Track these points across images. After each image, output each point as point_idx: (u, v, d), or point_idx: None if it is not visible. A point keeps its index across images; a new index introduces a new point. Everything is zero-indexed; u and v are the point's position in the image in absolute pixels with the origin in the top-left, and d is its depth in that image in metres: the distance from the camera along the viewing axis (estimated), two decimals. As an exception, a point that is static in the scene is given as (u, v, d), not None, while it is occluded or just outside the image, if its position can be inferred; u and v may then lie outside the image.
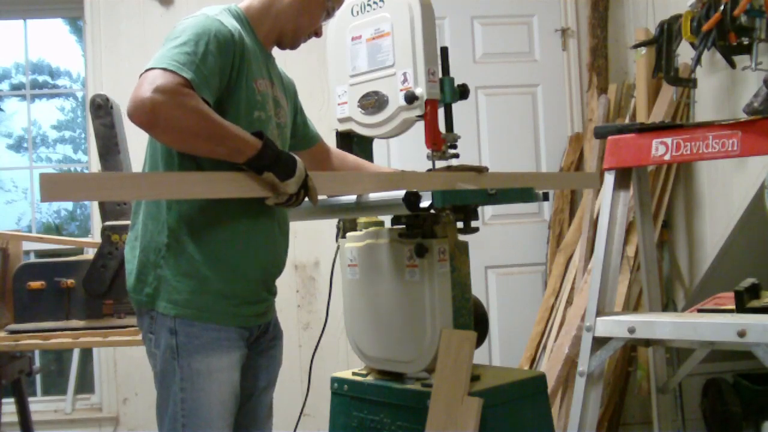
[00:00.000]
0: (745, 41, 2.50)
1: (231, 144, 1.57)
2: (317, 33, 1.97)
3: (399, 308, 1.94)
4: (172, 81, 1.54)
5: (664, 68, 2.95)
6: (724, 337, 2.05)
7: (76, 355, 3.98)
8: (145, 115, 1.51)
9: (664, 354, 2.71)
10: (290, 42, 1.96)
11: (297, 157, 1.65)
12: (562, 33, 3.95)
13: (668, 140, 2.21)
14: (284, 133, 1.93)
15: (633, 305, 3.28)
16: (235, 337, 1.77)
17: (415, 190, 1.75)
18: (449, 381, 1.79)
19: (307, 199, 1.68)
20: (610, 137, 2.36)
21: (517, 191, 2.00)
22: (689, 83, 3.02)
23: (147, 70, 1.56)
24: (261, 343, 1.92)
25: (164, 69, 1.55)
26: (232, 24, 1.75)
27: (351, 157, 2.18)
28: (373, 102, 2.04)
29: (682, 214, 3.39)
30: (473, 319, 1.95)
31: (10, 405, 3.14)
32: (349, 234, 2.10)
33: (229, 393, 1.76)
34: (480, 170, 1.98)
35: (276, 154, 1.61)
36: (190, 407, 1.71)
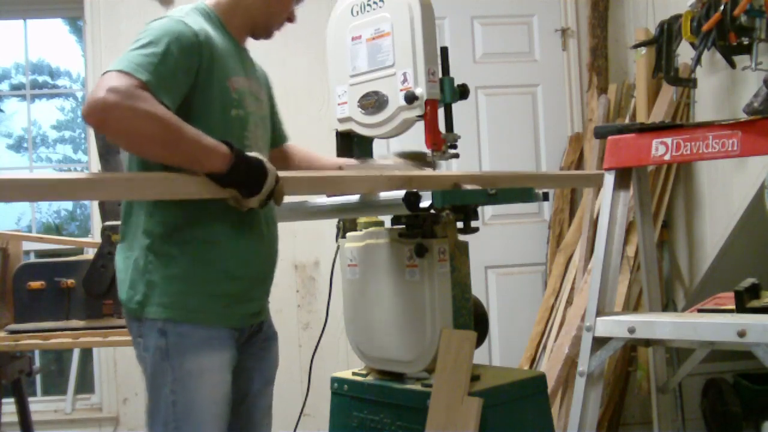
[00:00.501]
0: (745, 41, 2.50)
1: (189, 151, 1.53)
2: (290, 19, 1.91)
3: (399, 308, 1.94)
4: (127, 83, 1.50)
5: (664, 68, 2.95)
6: (724, 337, 2.04)
7: (76, 355, 3.99)
8: (95, 115, 1.48)
9: (664, 354, 2.70)
10: (263, 32, 1.90)
11: (268, 169, 1.60)
12: (562, 33, 3.95)
13: (668, 140, 2.21)
14: (266, 125, 1.91)
15: (633, 305, 3.28)
16: (226, 336, 1.74)
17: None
18: (449, 381, 1.79)
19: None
20: (610, 137, 2.36)
21: (517, 191, 2.00)
22: (689, 83, 3.02)
23: (105, 73, 1.53)
24: (253, 344, 1.89)
25: (120, 71, 1.52)
26: (199, 24, 1.71)
27: (304, 152, 2.15)
28: (373, 102, 2.04)
29: (682, 214, 3.39)
30: (473, 319, 1.96)
31: (10, 405, 3.14)
32: (349, 234, 2.10)
33: (221, 394, 1.72)
34: (421, 157, 1.96)
35: (245, 172, 1.56)
36: (182, 410, 1.67)
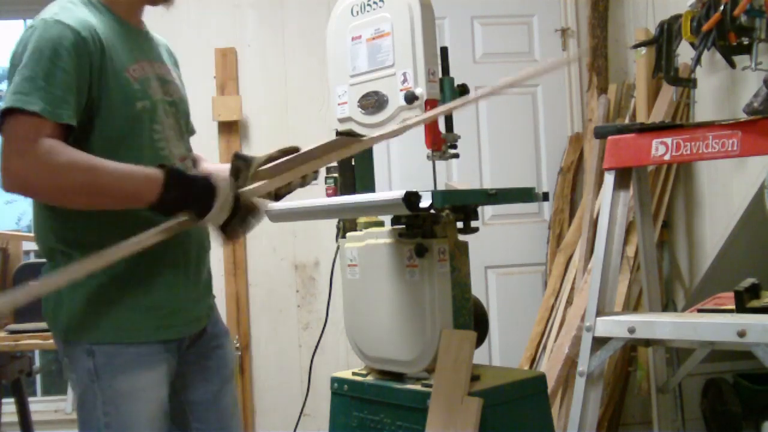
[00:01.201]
0: (745, 41, 2.50)
1: (119, 190, 1.45)
2: None
3: (399, 308, 1.94)
4: (24, 133, 1.40)
5: (664, 68, 2.95)
6: (724, 337, 2.04)
7: (76, 355, 3.98)
8: (12, 188, 1.43)
9: (664, 354, 2.71)
10: None
11: (215, 185, 1.47)
12: (562, 33, 3.95)
13: (668, 140, 2.21)
14: (181, 108, 1.73)
15: (633, 305, 3.27)
16: (160, 350, 1.61)
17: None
18: (449, 381, 1.79)
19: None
20: (610, 137, 2.36)
21: (517, 191, 2.00)
22: (689, 83, 3.02)
23: (3, 113, 1.43)
24: (200, 345, 1.76)
25: (11, 110, 1.41)
26: (78, 18, 1.53)
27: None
28: (373, 102, 2.04)
29: (682, 214, 3.39)
30: (473, 319, 1.96)
31: (10, 405, 3.14)
32: (349, 234, 2.10)
33: (157, 410, 1.61)
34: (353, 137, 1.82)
35: (181, 194, 1.46)
36: (117, 430, 1.56)
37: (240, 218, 1.50)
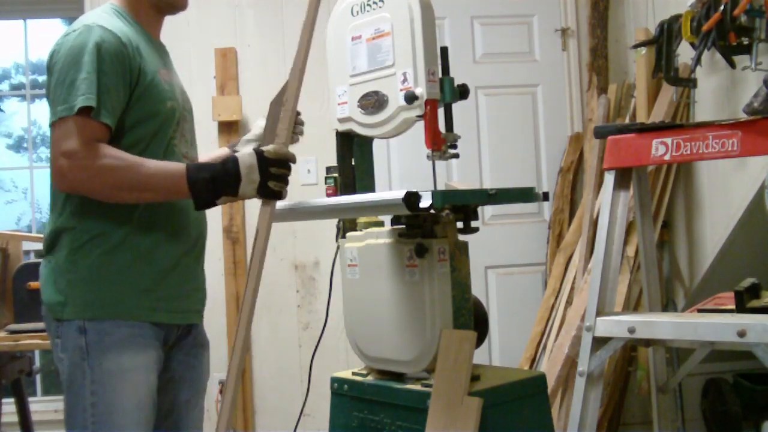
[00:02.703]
0: (745, 41, 2.50)
1: (159, 186, 1.58)
2: None
3: (399, 308, 1.94)
4: (76, 134, 1.52)
5: (664, 68, 2.95)
6: (724, 337, 2.05)
7: (76, 355, 3.98)
8: (63, 185, 1.56)
9: (664, 354, 2.70)
10: (171, 4, 1.83)
11: (235, 156, 1.58)
12: (562, 33, 3.95)
13: (668, 140, 2.21)
14: (192, 115, 1.88)
15: (633, 305, 3.28)
16: (151, 335, 1.66)
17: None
18: (449, 381, 1.79)
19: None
20: (610, 137, 2.36)
21: (517, 191, 2.00)
22: (689, 83, 3.02)
23: (52, 124, 1.57)
24: (182, 348, 1.80)
25: (62, 119, 1.54)
26: (115, 24, 1.66)
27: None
28: (373, 102, 2.04)
29: (682, 214, 3.39)
30: (473, 319, 1.95)
31: (10, 405, 3.14)
32: (349, 234, 2.10)
33: (145, 395, 1.63)
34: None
35: (210, 173, 1.56)
36: (103, 412, 1.58)
37: (273, 176, 1.56)
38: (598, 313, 2.28)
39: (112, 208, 1.63)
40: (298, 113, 1.82)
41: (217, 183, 1.56)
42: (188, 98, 1.87)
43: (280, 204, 2.00)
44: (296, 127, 1.90)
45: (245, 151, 1.58)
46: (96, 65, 1.56)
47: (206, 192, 1.56)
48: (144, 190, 1.58)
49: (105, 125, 1.56)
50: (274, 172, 1.57)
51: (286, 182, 1.60)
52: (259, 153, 1.56)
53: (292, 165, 1.62)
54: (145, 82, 1.65)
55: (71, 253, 1.65)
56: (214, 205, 1.59)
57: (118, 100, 1.59)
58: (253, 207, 3.64)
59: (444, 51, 2.04)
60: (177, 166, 1.59)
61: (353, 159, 2.18)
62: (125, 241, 1.65)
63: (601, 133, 2.45)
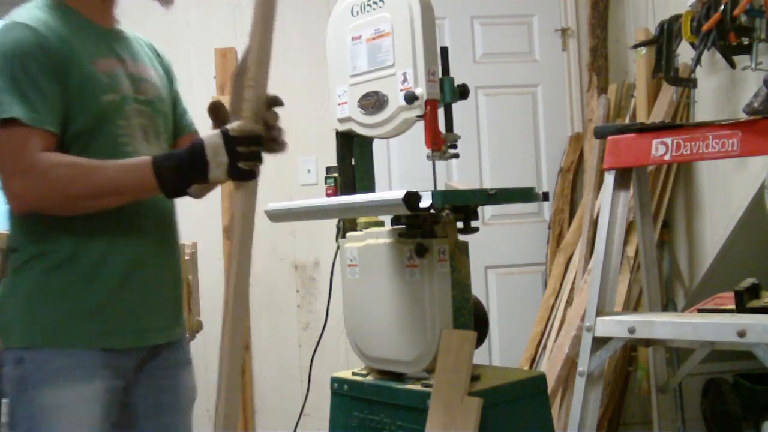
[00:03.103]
0: (745, 41, 2.50)
1: (122, 186, 1.43)
2: None
3: (399, 308, 1.94)
4: (18, 149, 1.38)
5: (664, 68, 2.95)
6: (724, 337, 2.05)
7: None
8: (19, 207, 1.43)
9: (664, 354, 2.70)
10: None
11: (201, 139, 1.42)
12: (562, 33, 3.95)
13: (668, 140, 2.21)
14: (157, 107, 1.65)
15: (633, 305, 3.28)
16: (97, 363, 1.46)
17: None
18: (449, 381, 1.79)
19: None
20: (610, 137, 2.36)
21: (517, 191, 2.00)
22: (689, 83, 3.02)
23: None
24: (150, 371, 1.58)
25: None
26: (35, 17, 1.49)
27: None
28: (373, 102, 2.04)
29: (682, 214, 3.39)
30: (473, 319, 1.96)
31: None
32: (349, 234, 2.10)
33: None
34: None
35: (177, 161, 1.42)
36: None
37: (242, 155, 1.40)
38: (598, 313, 2.28)
39: (54, 222, 1.46)
40: (276, 99, 1.52)
41: (185, 170, 1.41)
42: (154, 87, 1.65)
43: (279, 204, 2.00)
44: (271, 115, 1.51)
45: (211, 132, 1.43)
46: (18, 68, 1.41)
47: (175, 181, 1.42)
48: (108, 195, 1.43)
49: (48, 132, 1.42)
50: (242, 151, 1.40)
51: (258, 160, 1.42)
52: (224, 132, 1.40)
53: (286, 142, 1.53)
54: (75, 74, 1.47)
55: (12, 274, 1.50)
56: (186, 194, 1.46)
57: (53, 101, 1.44)
58: (253, 207, 3.64)
59: (444, 51, 2.04)
60: (140, 161, 1.44)
61: (353, 159, 2.18)
62: (67, 257, 1.47)
63: (601, 133, 2.45)
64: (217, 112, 1.54)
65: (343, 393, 2.06)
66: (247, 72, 1.44)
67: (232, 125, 1.41)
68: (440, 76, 1.99)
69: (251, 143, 1.41)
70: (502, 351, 3.82)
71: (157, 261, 1.58)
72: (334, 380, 2.10)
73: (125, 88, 1.56)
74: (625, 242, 3.06)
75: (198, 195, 1.50)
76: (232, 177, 1.41)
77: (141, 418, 1.58)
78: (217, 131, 1.41)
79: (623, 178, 2.38)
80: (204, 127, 1.59)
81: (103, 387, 1.47)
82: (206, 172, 1.40)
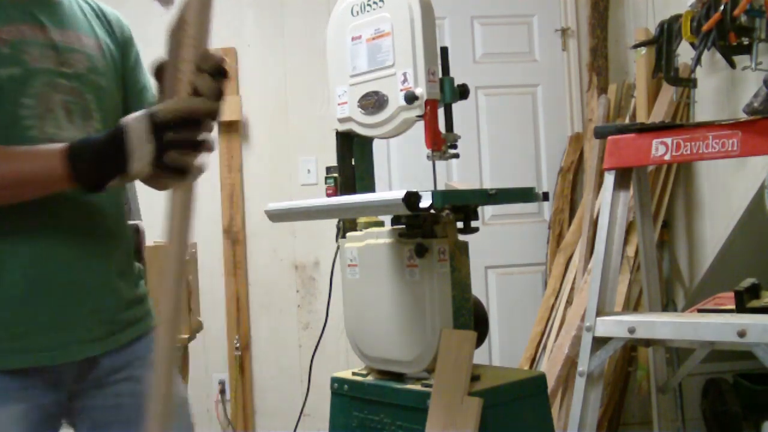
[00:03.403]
0: (745, 41, 2.50)
1: (31, 175, 1.17)
2: None
3: (399, 308, 1.94)
4: None
5: (664, 68, 2.95)
6: (724, 337, 2.05)
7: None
8: None
9: (664, 354, 2.71)
10: None
11: (121, 123, 1.13)
12: (562, 33, 3.95)
13: (668, 140, 2.21)
14: (89, 81, 1.36)
15: (633, 305, 3.28)
16: (8, 387, 1.24)
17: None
18: (449, 381, 1.79)
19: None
20: (610, 137, 2.36)
21: (517, 191, 2.00)
22: (689, 83, 3.02)
23: None
24: (92, 382, 1.34)
25: None
26: None
27: None
28: (373, 102, 2.04)
29: (682, 214, 3.39)
30: (473, 319, 1.96)
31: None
32: (349, 234, 2.10)
33: None
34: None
35: (95, 148, 1.15)
36: None
37: (172, 143, 1.10)
38: (598, 313, 2.28)
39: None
40: (220, 68, 1.10)
41: (103, 162, 1.14)
42: (89, 59, 1.37)
43: (279, 204, 2.00)
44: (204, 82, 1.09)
45: (136, 114, 1.12)
46: None
47: (90, 173, 1.16)
48: (6, 187, 1.18)
49: None
50: (172, 139, 1.09)
51: (194, 149, 1.10)
52: (150, 115, 1.10)
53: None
54: None
55: None
56: (104, 190, 1.18)
57: None
58: (253, 207, 3.64)
59: (444, 51, 2.04)
60: (50, 148, 1.18)
61: (353, 159, 2.19)
62: None
63: (601, 133, 2.46)
64: (164, 75, 1.19)
65: (343, 393, 2.06)
66: (185, 26, 1.09)
67: (163, 105, 1.10)
68: (440, 76, 1.99)
69: (186, 127, 1.09)
70: (502, 351, 3.82)
71: (78, 264, 1.30)
72: (334, 380, 2.10)
73: (36, 60, 1.28)
74: (625, 242, 3.06)
75: (124, 183, 1.23)
76: (162, 171, 1.11)
77: (107, 420, 1.37)
78: (143, 112, 1.11)
79: (623, 178, 2.38)
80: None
81: (25, 408, 1.25)
82: (125, 165, 1.12)
